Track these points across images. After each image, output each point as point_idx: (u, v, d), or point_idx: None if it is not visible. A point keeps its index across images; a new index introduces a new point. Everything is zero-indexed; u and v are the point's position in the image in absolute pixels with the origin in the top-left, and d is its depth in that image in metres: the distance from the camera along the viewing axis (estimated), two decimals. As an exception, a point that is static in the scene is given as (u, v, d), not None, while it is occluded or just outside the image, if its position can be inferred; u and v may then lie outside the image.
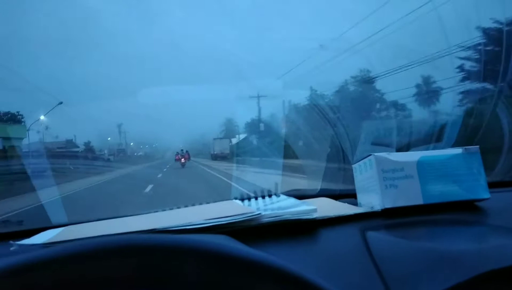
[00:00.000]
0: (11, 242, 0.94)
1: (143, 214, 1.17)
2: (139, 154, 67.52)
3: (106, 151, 47.00)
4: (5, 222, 1.27)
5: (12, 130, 29.83)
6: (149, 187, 12.12)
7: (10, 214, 7.14)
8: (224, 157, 36.37)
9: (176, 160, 28.91)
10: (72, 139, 43.25)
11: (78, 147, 42.45)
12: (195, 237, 0.50)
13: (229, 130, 48.07)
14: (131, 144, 66.71)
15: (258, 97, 33.44)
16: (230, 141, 42.36)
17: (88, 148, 44.25)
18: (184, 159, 27.96)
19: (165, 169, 24.15)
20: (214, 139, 43.23)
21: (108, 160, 41.94)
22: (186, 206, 1.18)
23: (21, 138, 30.47)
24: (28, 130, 32.55)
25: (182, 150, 29.59)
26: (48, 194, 8.87)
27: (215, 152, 39.99)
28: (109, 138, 52.55)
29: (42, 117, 32.49)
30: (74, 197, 11.29)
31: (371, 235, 0.86)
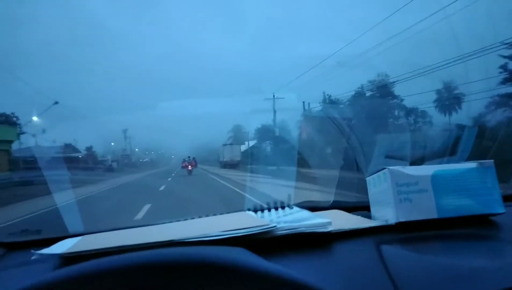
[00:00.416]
0: (32, 251, 0.96)
1: (159, 224, 1.19)
2: (144, 160, 65.76)
3: (109, 157, 45.11)
4: (24, 231, 1.29)
5: (-1, 132, 26.28)
6: (146, 207, 9.52)
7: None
8: (234, 165, 34.14)
9: (182, 167, 28.40)
10: (71, 144, 40.16)
11: (79, 152, 39.89)
12: (220, 252, 0.51)
13: (237, 137, 45.72)
14: (136, 150, 64.64)
15: (274, 99, 33.05)
16: (241, 148, 40.43)
17: (90, 153, 41.72)
18: (191, 167, 27.47)
19: (169, 179, 22.55)
20: (224, 145, 40.31)
21: (110, 166, 40.02)
22: (200, 217, 1.20)
23: (10, 141, 28.12)
24: (20, 133, 29.82)
25: (189, 157, 29.05)
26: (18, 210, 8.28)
27: (224, 159, 37.31)
28: (112, 143, 50.98)
29: (35, 118, 30.71)
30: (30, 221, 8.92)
31: (386, 249, 0.86)
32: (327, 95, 27.93)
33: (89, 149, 44.35)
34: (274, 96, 34.01)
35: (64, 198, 10.52)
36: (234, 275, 0.48)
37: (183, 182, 20.06)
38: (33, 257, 0.94)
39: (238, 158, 36.80)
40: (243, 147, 40.64)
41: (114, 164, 43.23)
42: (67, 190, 12.20)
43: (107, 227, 1.19)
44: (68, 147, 38.48)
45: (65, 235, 1.12)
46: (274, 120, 34.26)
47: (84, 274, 0.47)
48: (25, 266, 0.94)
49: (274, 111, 33.53)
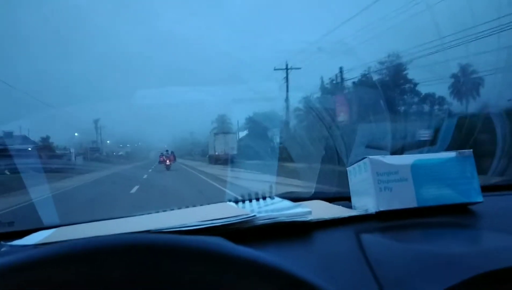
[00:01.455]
0: (1, 242, 0.93)
1: (136, 215, 1.17)
2: (119, 153, 58.92)
3: (72, 150, 36.77)
4: None
5: None
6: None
7: None
8: (227, 160, 26.31)
9: (160, 162, 25.91)
10: (12, 132, 30.30)
11: (32, 143, 30.92)
12: (192, 237, 0.50)
13: (223, 128, 36.89)
14: (108, 142, 56.70)
15: (287, 69, 27.73)
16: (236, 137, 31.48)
17: (45, 145, 33.69)
18: (169, 161, 24.75)
19: (145, 176, 18.74)
20: (215, 134, 31.61)
21: (71, 161, 32.86)
22: (179, 208, 1.18)
23: None
24: None
25: (167, 150, 26.39)
26: None
27: (216, 153, 29.34)
28: (76, 134, 41.79)
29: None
30: None
31: (366, 237, 0.86)
32: (310, 86, 27.60)
33: (45, 140, 37.19)
34: (287, 66, 27.99)
35: None
36: (214, 261, 0.47)
37: (159, 180, 16.87)
38: (2, 249, 0.91)
39: (234, 151, 28.66)
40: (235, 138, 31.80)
41: (79, 158, 37.21)
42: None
43: (83, 219, 1.17)
44: (8, 135, 30.32)
45: (39, 227, 1.09)
46: (287, 100, 27.97)
47: (53, 255, 0.45)
48: None
49: (287, 90, 27.87)
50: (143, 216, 1.15)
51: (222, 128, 36.54)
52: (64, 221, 1.19)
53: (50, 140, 37.44)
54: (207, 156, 33.95)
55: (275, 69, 28.17)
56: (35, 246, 0.89)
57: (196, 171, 22.54)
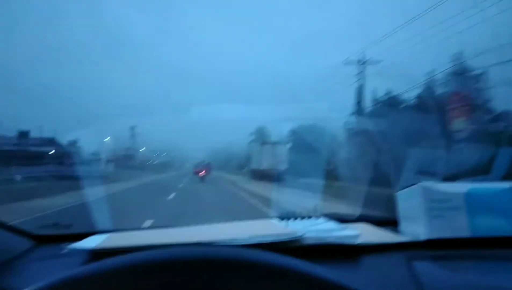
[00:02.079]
0: (62, 245, 0.98)
1: (187, 227, 1.20)
2: (154, 162, 57.34)
3: (103, 156, 34.52)
4: (55, 224, 1.32)
5: None
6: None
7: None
8: (274, 176, 20.45)
9: (195, 172, 25.02)
10: (28, 132, 29.34)
11: (52, 145, 28.88)
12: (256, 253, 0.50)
13: (266, 139, 33.06)
14: (142, 149, 53.73)
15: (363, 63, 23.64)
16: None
17: (69, 150, 29.51)
18: (205, 172, 23.91)
19: (172, 195, 13.63)
20: (262, 144, 27.28)
21: (101, 167, 30.67)
22: (225, 222, 1.20)
23: None
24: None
25: (203, 161, 26.19)
26: None
27: (261, 167, 24.70)
28: (107, 138, 37.04)
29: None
30: None
31: (418, 265, 0.84)
32: (361, 105, 26.87)
33: (72, 143, 32.07)
34: (361, 60, 23.85)
35: None
36: (273, 276, 0.48)
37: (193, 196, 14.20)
38: (63, 251, 0.96)
39: (283, 165, 23.15)
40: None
41: (110, 165, 35.40)
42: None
43: (134, 226, 1.21)
44: (24, 136, 28.98)
45: (94, 231, 1.14)
46: (360, 89, 24.64)
47: (117, 268, 0.47)
48: (55, 259, 0.97)
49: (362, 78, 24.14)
50: (192, 227, 1.18)
51: (264, 139, 32.55)
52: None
53: (78, 144, 32.04)
54: (248, 169, 29.63)
55: (345, 64, 24.04)
56: (93, 251, 0.93)
57: (236, 187, 19.24)
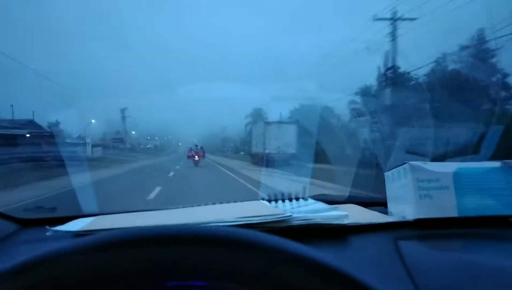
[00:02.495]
0: (47, 227, 0.97)
1: (172, 209, 1.19)
2: (147, 146, 54.39)
3: (88, 140, 30.88)
4: (39, 208, 1.31)
5: None
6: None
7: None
8: (282, 161, 18.90)
9: (188, 157, 24.48)
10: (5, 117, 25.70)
11: (30, 127, 24.20)
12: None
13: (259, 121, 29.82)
14: (133, 132, 49.77)
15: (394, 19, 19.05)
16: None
17: (50, 132, 26.44)
18: (198, 157, 23.44)
19: (171, 174, 16.08)
20: (267, 123, 23.58)
21: (87, 152, 28.16)
22: (214, 203, 1.19)
23: None
24: None
25: (196, 145, 25.22)
26: None
27: (267, 150, 21.62)
28: (92, 121, 34.35)
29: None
30: None
31: (405, 244, 0.85)
32: (351, 88, 26.72)
33: (52, 125, 29.62)
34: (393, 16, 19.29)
35: None
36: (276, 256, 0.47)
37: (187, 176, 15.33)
38: (47, 233, 0.95)
39: (293, 149, 21.05)
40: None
41: (98, 150, 32.41)
42: None
43: (120, 209, 1.20)
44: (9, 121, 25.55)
45: (79, 215, 1.13)
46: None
47: (104, 242, 0.46)
48: (39, 242, 0.95)
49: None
50: (180, 209, 1.17)
51: (253, 124, 29.69)
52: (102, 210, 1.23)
53: (60, 127, 31.02)
54: (248, 153, 27.05)
55: (375, 19, 19.90)
56: (78, 233, 0.92)
57: (237, 175, 16.55)
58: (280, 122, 24.30)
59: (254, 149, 25.63)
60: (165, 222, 0.94)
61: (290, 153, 20.60)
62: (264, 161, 20.57)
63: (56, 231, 0.95)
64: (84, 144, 29.71)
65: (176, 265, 0.44)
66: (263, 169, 18.02)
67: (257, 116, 37.21)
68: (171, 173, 16.71)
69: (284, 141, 21.61)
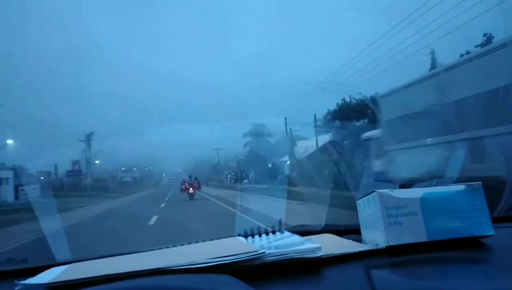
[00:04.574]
0: (15, 281, 0.93)
1: (147, 251, 1.17)
2: (123, 180, 44.06)
3: (8, 175, 21.51)
4: (10, 260, 1.27)
5: None
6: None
7: None
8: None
9: (182, 190, 22.15)
10: None
11: None
12: (203, 281, 0.50)
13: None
14: (96, 162, 38.70)
15: None
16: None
17: None
18: (193, 189, 21.20)
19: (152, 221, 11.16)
20: None
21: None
22: (189, 243, 1.18)
23: None
24: None
25: (190, 176, 23.52)
26: None
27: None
28: (8, 141, 26.30)
29: None
30: None
31: (376, 273, 0.85)
32: (314, 119, 27.44)
33: None
34: None
35: None
36: None
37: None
38: (16, 288, 0.91)
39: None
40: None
41: (31, 190, 21.25)
42: None
43: (95, 255, 1.17)
44: None
45: (52, 264, 1.10)
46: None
47: None
48: None
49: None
50: (154, 251, 1.15)
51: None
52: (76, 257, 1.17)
53: None
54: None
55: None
56: (48, 285, 0.89)
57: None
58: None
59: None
60: (137, 267, 0.92)
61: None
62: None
63: (25, 285, 0.91)
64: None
65: None
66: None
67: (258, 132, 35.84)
68: (153, 219, 11.49)
69: None
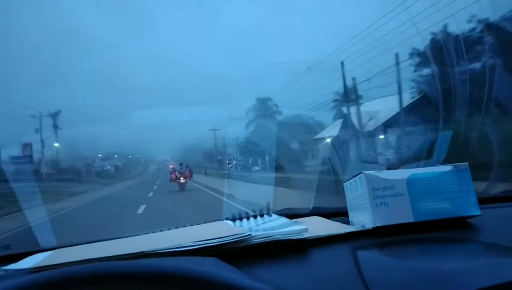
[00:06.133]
0: None
1: (134, 236, 1.16)
2: (104, 168, 37.21)
3: None
4: None
5: None
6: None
7: None
8: None
9: (171, 180, 18.78)
10: None
11: None
12: (188, 263, 0.49)
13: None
14: (55, 144, 30.97)
15: None
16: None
17: None
18: (184, 179, 18.44)
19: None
20: None
21: None
22: (177, 228, 1.17)
23: None
24: None
25: (181, 164, 19.99)
26: None
27: None
28: None
29: None
30: None
31: (362, 254, 0.85)
32: (303, 104, 27.08)
33: None
34: None
35: None
36: (200, 287, 0.47)
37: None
38: None
39: None
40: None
41: None
42: None
43: (80, 241, 1.16)
44: None
45: (36, 250, 1.08)
46: None
47: (48, 281, 0.44)
48: None
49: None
50: (140, 236, 1.14)
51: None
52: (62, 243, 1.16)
53: None
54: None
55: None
56: (30, 270, 0.87)
57: None
58: None
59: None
60: (121, 251, 0.90)
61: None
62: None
63: (7, 270, 0.90)
64: None
65: None
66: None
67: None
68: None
69: None
